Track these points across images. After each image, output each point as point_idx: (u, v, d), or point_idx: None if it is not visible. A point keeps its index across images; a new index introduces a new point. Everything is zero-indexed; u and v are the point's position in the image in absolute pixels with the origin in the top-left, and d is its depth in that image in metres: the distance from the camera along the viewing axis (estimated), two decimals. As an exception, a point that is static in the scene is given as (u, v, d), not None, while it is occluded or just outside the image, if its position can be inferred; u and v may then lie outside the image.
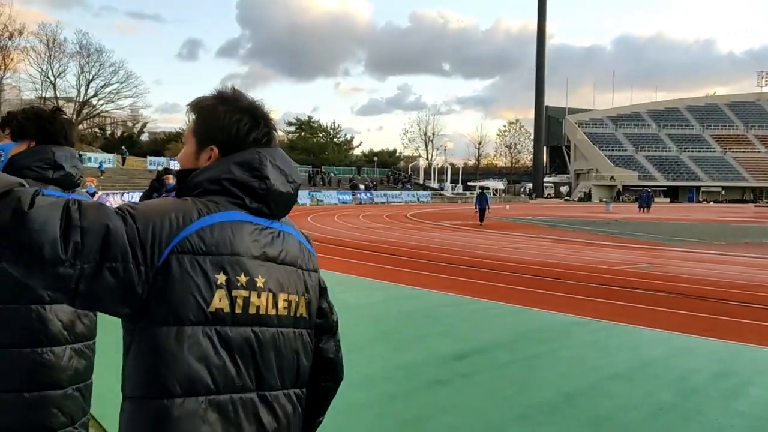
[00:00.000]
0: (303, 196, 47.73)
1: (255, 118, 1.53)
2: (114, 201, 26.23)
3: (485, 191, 32.97)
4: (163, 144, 71.15)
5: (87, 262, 1.21)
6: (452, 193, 69.68)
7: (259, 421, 1.39)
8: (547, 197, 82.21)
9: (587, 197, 77.35)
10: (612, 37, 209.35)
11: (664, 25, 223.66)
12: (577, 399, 4.81)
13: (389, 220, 31.34)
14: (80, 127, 62.42)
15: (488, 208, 28.88)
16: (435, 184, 73.05)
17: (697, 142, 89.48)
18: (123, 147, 49.89)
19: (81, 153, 42.92)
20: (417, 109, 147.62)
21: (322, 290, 1.69)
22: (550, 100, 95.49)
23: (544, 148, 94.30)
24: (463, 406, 4.62)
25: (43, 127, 2.28)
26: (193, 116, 1.56)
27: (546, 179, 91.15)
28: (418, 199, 59.89)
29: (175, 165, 41.35)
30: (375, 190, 58.78)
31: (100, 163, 44.33)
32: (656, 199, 45.55)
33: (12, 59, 53.73)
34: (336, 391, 1.80)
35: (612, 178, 78.79)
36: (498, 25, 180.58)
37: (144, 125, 74.88)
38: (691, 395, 4.99)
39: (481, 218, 28.08)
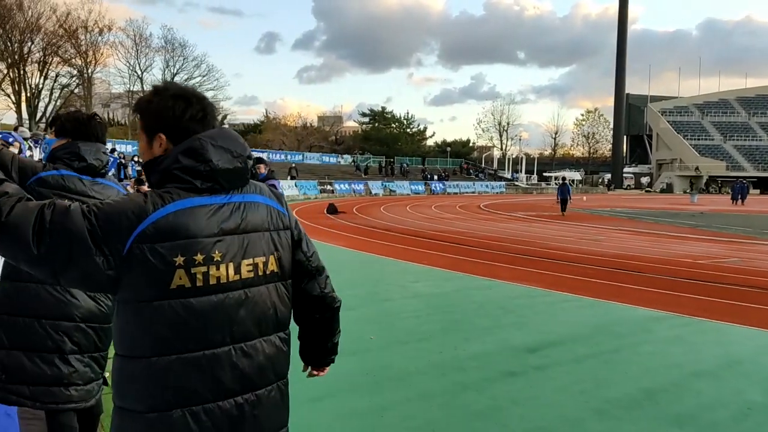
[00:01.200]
0: (375, 187, 48.00)
1: (187, 99, 1.72)
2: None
3: (566, 181, 32.16)
4: (243, 135, 72.29)
5: (57, 257, 1.51)
6: (527, 184, 68.39)
7: (235, 368, 1.68)
8: (626, 188, 79.44)
9: (670, 188, 74.30)
10: (698, 22, 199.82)
11: (754, 7, 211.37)
12: (659, 396, 4.62)
13: (462, 210, 31.08)
14: (164, 119, 64.86)
15: (570, 199, 28.45)
16: (508, 174, 71.95)
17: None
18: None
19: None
20: (491, 99, 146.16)
21: (296, 243, 1.90)
22: (631, 87, 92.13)
23: (624, 137, 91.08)
24: (537, 399, 4.51)
25: (78, 128, 2.78)
26: (138, 116, 1.78)
27: (626, 170, 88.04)
28: (492, 190, 59.13)
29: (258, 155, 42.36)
30: (447, 180, 58.36)
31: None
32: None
33: (102, 54, 56.29)
34: (336, 315, 2.05)
35: (697, 168, 75.29)
36: (576, 12, 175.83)
37: (224, 117, 77.00)
38: (784, 396, 4.71)
39: (563, 209, 27.66)
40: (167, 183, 1.67)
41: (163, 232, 1.57)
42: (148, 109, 1.74)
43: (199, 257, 1.61)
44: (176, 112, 1.70)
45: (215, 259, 1.64)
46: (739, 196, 42.77)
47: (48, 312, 2.56)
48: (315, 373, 2.16)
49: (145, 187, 1.91)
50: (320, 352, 2.10)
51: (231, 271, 1.67)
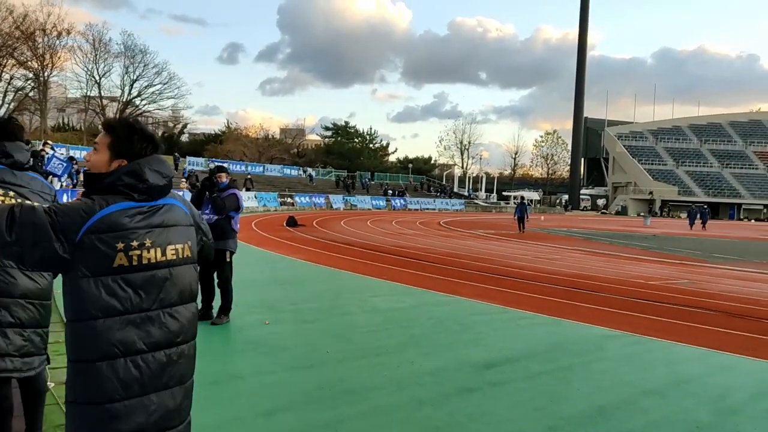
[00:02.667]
0: (337, 201, 47.90)
1: (154, 143, 2.33)
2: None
3: (524, 201, 33.65)
4: (202, 145, 72.22)
5: (25, 243, 2.03)
6: (486, 202, 69.18)
7: (165, 326, 2.24)
8: (583, 209, 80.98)
9: (624, 211, 76.05)
10: (653, 50, 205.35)
11: (707, 39, 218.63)
12: (610, 413, 4.70)
13: (422, 227, 31.24)
14: (122, 126, 63.73)
15: (527, 218, 29.70)
16: (467, 192, 72.68)
17: (739, 158, 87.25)
18: (176, 153, 50.67)
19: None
20: (453, 118, 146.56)
21: (197, 230, 2.48)
22: (589, 111, 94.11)
23: (582, 159, 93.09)
24: (493, 415, 4.54)
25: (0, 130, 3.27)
26: (109, 135, 2.28)
27: (583, 191, 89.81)
28: (452, 207, 59.63)
29: (208, 165, 41.90)
30: (407, 196, 58.62)
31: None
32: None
33: (59, 58, 55.17)
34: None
35: (651, 192, 77.31)
36: (537, 35, 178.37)
37: (184, 126, 76.19)
38: (730, 415, 4.83)
39: (521, 227, 29.01)
40: (110, 194, 2.20)
41: (107, 225, 2.12)
42: (126, 141, 2.27)
43: (135, 243, 2.16)
44: (143, 151, 2.28)
45: (146, 245, 2.19)
46: (697, 221, 42.19)
47: None
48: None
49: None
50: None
51: (158, 254, 2.23)
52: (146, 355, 2.19)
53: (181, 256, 2.31)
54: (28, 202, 2.16)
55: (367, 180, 63.66)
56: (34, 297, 3.13)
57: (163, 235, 2.25)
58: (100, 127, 2.43)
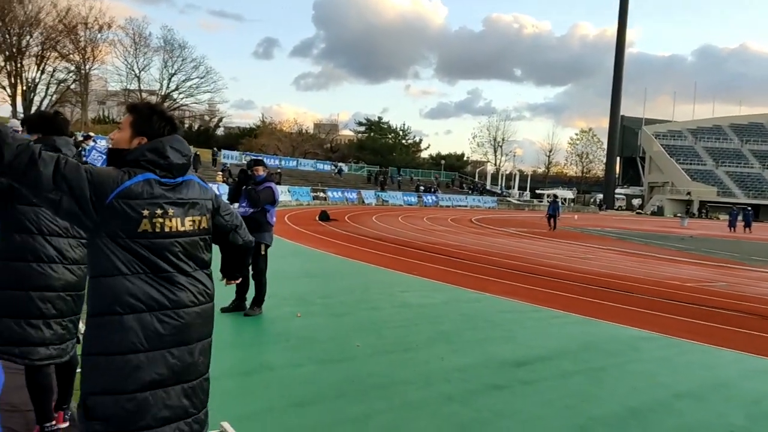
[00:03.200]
0: (368, 196, 47.99)
1: (172, 124, 2.58)
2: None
3: (557, 199, 33.84)
4: (237, 139, 73.00)
5: (64, 193, 2.21)
6: (519, 200, 68.60)
7: (184, 286, 2.47)
8: (617, 209, 79.76)
9: (660, 211, 74.68)
10: (693, 48, 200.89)
11: (749, 36, 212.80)
12: (644, 415, 4.62)
13: (454, 223, 31.13)
14: (160, 119, 64.76)
15: (558, 216, 29.85)
16: (499, 189, 72.17)
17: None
18: (214, 148, 51.14)
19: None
20: (486, 114, 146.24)
21: (215, 210, 2.70)
22: (626, 109, 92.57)
23: (618, 158, 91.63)
24: (522, 413, 4.51)
25: (47, 125, 3.46)
26: (132, 114, 2.55)
27: (617, 191, 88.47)
28: (484, 204, 59.29)
29: (244, 159, 42.30)
30: (438, 193, 58.43)
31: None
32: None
33: (100, 51, 56.20)
34: (250, 251, 3.10)
35: (689, 193, 75.73)
36: (574, 32, 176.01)
37: (220, 120, 77.06)
38: (765, 420, 4.73)
39: (552, 225, 29.22)
40: (136, 167, 2.42)
41: (135, 193, 2.35)
42: (148, 121, 2.52)
43: (159, 212, 2.40)
44: (160, 129, 2.52)
45: (169, 214, 2.43)
46: (738, 222, 40.58)
47: (35, 285, 3.22)
48: (230, 282, 3.20)
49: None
50: (235, 271, 3.14)
51: (178, 224, 2.47)
52: (170, 311, 2.42)
53: (197, 228, 2.56)
54: (73, 159, 2.32)
55: (398, 176, 63.60)
56: (72, 289, 3.35)
57: (183, 208, 2.50)
58: (125, 109, 2.68)
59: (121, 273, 2.35)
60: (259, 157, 9.91)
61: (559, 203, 32.71)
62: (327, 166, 61.52)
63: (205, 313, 2.56)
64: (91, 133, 21.69)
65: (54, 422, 3.50)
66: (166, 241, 2.42)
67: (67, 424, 3.56)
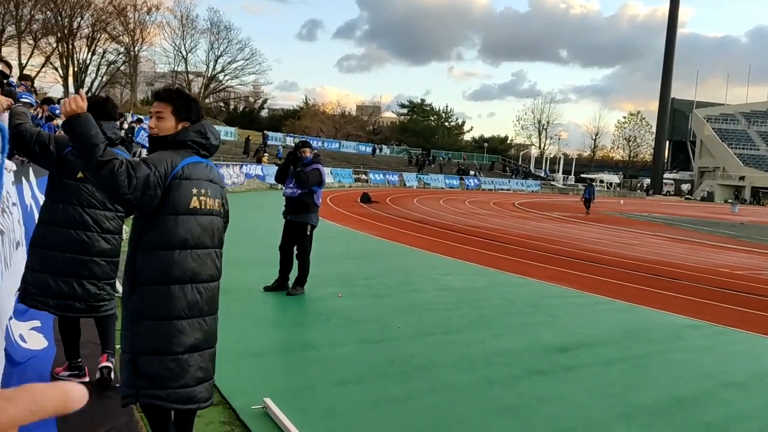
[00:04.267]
0: (410, 179, 47.91)
1: (201, 108, 2.90)
2: (231, 173, 27.34)
3: (592, 183, 34.72)
4: (281, 120, 73.54)
5: (138, 192, 2.53)
6: (563, 184, 67.53)
7: (214, 263, 2.82)
8: (665, 194, 77.77)
9: (710, 197, 72.61)
10: (748, 28, 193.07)
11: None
12: (688, 404, 4.55)
13: (496, 207, 30.89)
14: (207, 101, 65.67)
15: (593, 199, 30.22)
16: (543, 173, 71.15)
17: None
18: (264, 131, 51.42)
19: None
20: (531, 97, 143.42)
21: (226, 199, 3.00)
22: (677, 92, 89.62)
23: (667, 142, 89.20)
24: (564, 399, 4.48)
25: (97, 109, 3.54)
26: (171, 103, 2.80)
27: (666, 176, 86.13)
28: (527, 188, 58.61)
29: (291, 141, 42.55)
30: (479, 176, 57.94)
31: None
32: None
33: (149, 33, 57.24)
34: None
35: (742, 178, 73.29)
36: (623, 12, 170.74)
37: (264, 101, 77.75)
38: (819, 413, 4.59)
39: (587, 207, 29.82)
40: (181, 149, 2.75)
41: (186, 173, 2.68)
42: (189, 108, 2.83)
43: (204, 191, 2.73)
44: (197, 114, 2.85)
45: (209, 194, 2.77)
46: None
47: (71, 249, 3.70)
48: None
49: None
50: None
51: (215, 204, 2.82)
52: (206, 284, 2.75)
53: (219, 209, 2.89)
54: (135, 159, 2.66)
55: (441, 158, 63.21)
56: (106, 255, 3.86)
57: (213, 189, 2.83)
58: (153, 97, 3.01)
59: (172, 247, 2.65)
60: (306, 139, 9.93)
61: (595, 187, 33.17)
62: (369, 149, 61.63)
63: (219, 287, 2.90)
64: (141, 116, 22.64)
65: (80, 360, 4.10)
66: (208, 219, 2.77)
67: (110, 364, 3.99)
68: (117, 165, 2.46)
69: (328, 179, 38.39)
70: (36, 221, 4.01)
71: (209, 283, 2.77)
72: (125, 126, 17.90)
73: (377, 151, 60.53)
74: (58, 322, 4.10)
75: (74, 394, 0.53)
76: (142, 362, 2.64)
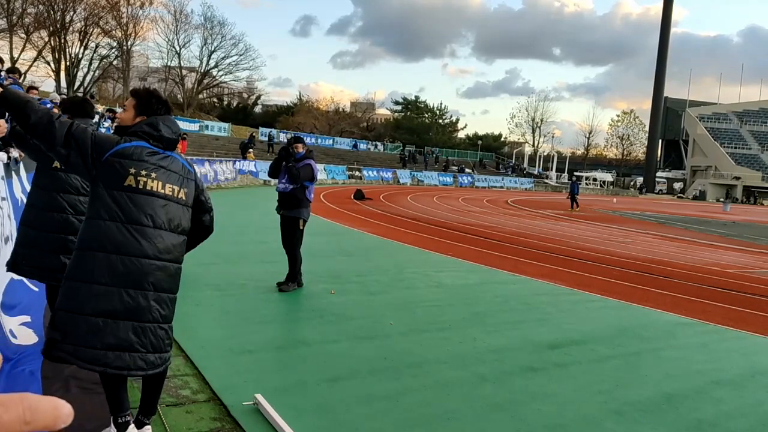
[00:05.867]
0: (404, 176, 47.92)
1: (167, 106, 3.22)
2: (224, 168, 27.29)
3: (576, 180, 35.14)
4: (275, 116, 73.38)
5: (72, 149, 2.86)
6: (557, 182, 67.69)
7: (153, 242, 2.96)
8: (658, 193, 78.04)
9: (702, 196, 72.89)
10: (740, 28, 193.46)
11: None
12: (680, 401, 4.56)
13: (489, 205, 30.92)
14: (200, 96, 65.42)
15: (576, 195, 31.37)
16: (536, 171, 71.26)
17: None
18: (271, 132, 50.87)
19: (200, 121, 45.40)
20: (524, 94, 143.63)
21: (199, 191, 3.29)
22: (670, 91, 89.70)
23: (660, 141, 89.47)
24: (556, 396, 4.49)
25: (78, 108, 4.43)
26: (134, 98, 3.17)
27: (659, 174, 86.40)
28: (520, 186, 58.70)
29: (284, 136, 42.55)
30: (474, 173, 57.95)
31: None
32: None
33: (142, 27, 56.92)
34: (206, 238, 3.51)
35: (737, 177, 73.49)
36: (617, 11, 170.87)
37: (258, 97, 77.54)
38: (809, 411, 4.61)
39: (573, 205, 30.73)
40: (133, 137, 3.05)
41: (126, 154, 2.96)
42: (148, 103, 3.15)
43: (143, 172, 2.96)
44: (157, 110, 3.16)
45: (152, 176, 2.99)
46: None
47: (52, 228, 4.25)
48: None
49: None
50: (191, 246, 3.42)
51: (159, 186, 3.01)
52: (134, 258, 2.90)
53: (175, 196, 3.08)
54: (83, 124, 2.99)
55: (436, 154, 63.11)
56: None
57: (165, 175, 3.04)
58: (128, 93, 3.38)
59: (102, 218, 2.90)
60: (300, 135, 10.03)
61: (578, 184, 34.41)
62: (363, 145, 61.53)
63: (167, 270, 3.03)
64: (116, 108, 22.92)
65: None
66: (146, 198, 2.96)
67: None
68: (56, 116, 2.85)
69: (321, 176, 38.34)
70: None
71: (140, 259, 2.91)
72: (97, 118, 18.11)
73: (359, 146, 60.28)
74: (46, 291, 4.73)
75: (64, 410, 0.53)
76: (58, 317, 2.88)
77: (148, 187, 2.95)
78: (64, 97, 24.47)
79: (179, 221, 3.10)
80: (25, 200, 6.08)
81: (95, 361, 2.83)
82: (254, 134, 45.42)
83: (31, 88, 13.10)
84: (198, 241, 3.48)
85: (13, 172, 5.90)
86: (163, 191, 3.01)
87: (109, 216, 2.89)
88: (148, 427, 3.34)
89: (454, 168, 58.22)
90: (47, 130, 2.81)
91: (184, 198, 3.13)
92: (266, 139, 47.63)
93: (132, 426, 3.28)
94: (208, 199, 3.37)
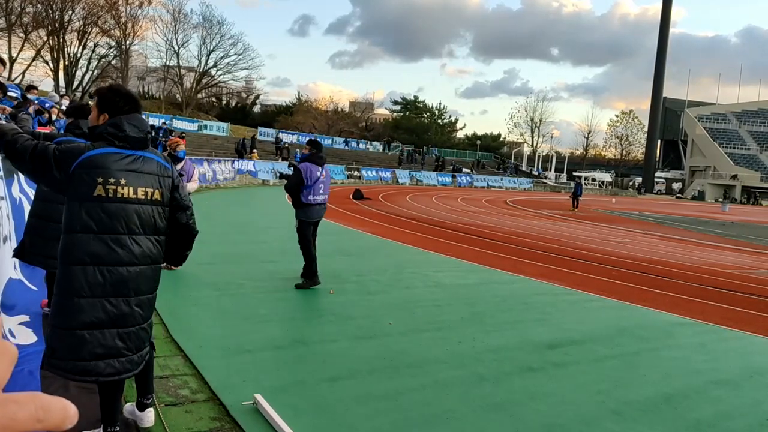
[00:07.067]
0: (403, 176, 47.91)
1: (132, 102, 3.07)
2: (223, 168, 27.27)
3: (580, 181, 35.87)
4: (273, 116, 73.31)
5: (37, 168, 2.84)
6: (556, 182, 67.70)
7: (128, 248, 2.94)
8: (657, 193, 78.07)
9: (701, 196, 72.93)
10: (737, 29, 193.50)
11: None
12: (678, 401, 4.57)
13: (488, 205, 30.93)
14: (198, 96, 65.29)
15: (579, 196, 31.59)
16: (535, 171, 71.27)
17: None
18: (279, 135, 50.46)
19: (198, 120, 45.52)
20: (523, 95, 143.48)
21: (174, 187, 3.17)
22: (668, 91, 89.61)
23: (658, 141, 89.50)
24: (555, 396, 4.49)
25: (78, 111, 5.05)
26: (96, 97, 3.09)
27: (657, 174, 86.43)
28: (519, 186, 58.71)
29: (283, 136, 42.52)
30: (472, 174, 57.95)
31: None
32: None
33: (141, 27, 56.77)
34: (192, 239, 3.39)
35: (735, 177, 73.51)
36: (615, 11, 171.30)
37: (257, 97, 77.44)
38: (807, 411, 4.62)
39: (574, 205, 30.98)
40: (99, 140, 2.95)
41: (92, 163, 2.86)
42: (109, 101, 3.03)
43: (112, 180, 2.88)
44: (122, 108, 3.01)
45: (122, 183, 2.90)
46: None
47: (58, 219, 4.28)
48: (171, 267, 4.30)
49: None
50: (177, 257, 3.42)
51: (131, 192, 2.93)
52: (111, 267, 2.90)
53: (149, 198, 3.01)
54: (47, 143, 2.93)
55: (435, 154, 63.04)
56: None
57: (136, 179, 2.96)
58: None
59: (75, 231, 2.88)
60: (291, 136, 10.48)
61: (582, 184, 34.99)
62: (362, 145, 61.47)
63: (144, 273, 3.02)
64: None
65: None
66: (118, 206, 2.90)
67: None
68: (19, 143, 2.85)
69: (321, 175, 38.26)
70: (26, 212, 5.01)
71: (118, 267, 2.92)
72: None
73: (351, 143, 60.21)
74: (46, 276, 5.13)
75: (71, 410, 0.53)
76: (51, 333, 2.96)
77: (119, 194, 2.90)
78: (63, 95, 24.49)
79: (154, 223, 3.05)
80: (23, 200, 6.09)
81: (86, 372, 2.89)
82: (255, 135, 45.44)
83: (31, 87, 13.04)
84: (184, 245, 3.39)
85: (12, 172, 5.90)
86: (135, 196, 2.95)
87: (83, 228, 2.87)
88: (150, 409, 3.46)
89: (451, 168, 58.20)
90: (15, 157, 2.87)
91: (159, 198, 3.06)
92: (272, 140, 47.62)
93: (133, 407, 3.47)
94: (185, 196, 3.27)
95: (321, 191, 7.62)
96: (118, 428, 3.19)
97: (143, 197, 2.97)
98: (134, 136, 2.98)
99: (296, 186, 7.52)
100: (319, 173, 7.59)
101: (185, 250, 3.43)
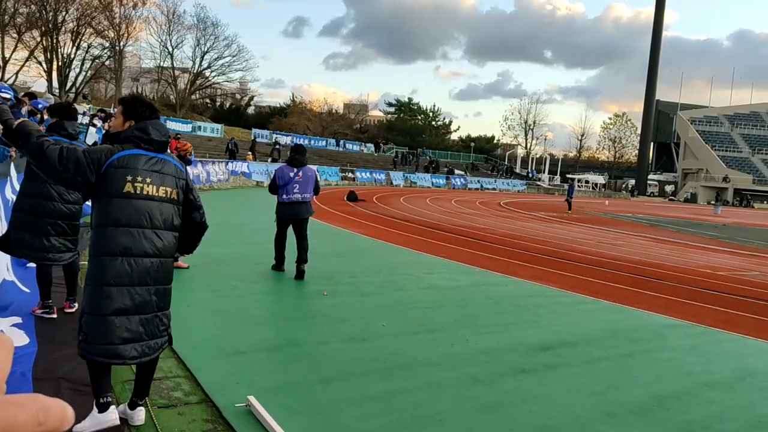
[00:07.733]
0: (397, 178, 47.92)
1: (152, 109, 3.49)
2: (217, 169, 27.20)
3: (573, 183, 37.07)
4: (268, 117, 73.18)
5: (69, 172, 3.08)
6: (549, 184, 67.82)
7: (151, 241, 3.27)
8: (650, 195, 78.28)
9: (694, 198, 73.19)
10: (729, 32, 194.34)
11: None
12: (670, 403, 4.59)
13: (482, 207, 30.97)
14: (192, 97, 65.15)
15: (572, 198, 32.07)
16: (529, 173, 71.41)
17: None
18: (276, 137, 50.14)
19: (192, 122, 45.36)
20: (516, 97, 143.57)
21: (188, 189, 3.55)
22: (661, 94, 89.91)
23: (651, 144, 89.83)
24: (547, 397, 4.50)
25: (62, 111, 5.34)
26: (121, 105, 3.46)
27: (650, 177, 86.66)
28: (513, 188, 58.80)
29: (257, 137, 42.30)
30: (465, 176, 58.02)
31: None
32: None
33: (135, 28, 56.62)
34: (203, 233, 3.76)
35: (727, 179, 73.83)
36: (608, 14, 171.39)
37: (251, 99, 77.29)
38: (798, 413, 4.65)
39: (568, 206, 31.51)
40: (126, 143, 3.30)
41: (122, 163, 3.22)
42: (133, 109, 3.42)
43: (139, 178, 3.24)
44: (144, 116, 3.41)
45: (147, 181, 3.26)
46: None
47: (41, 213, 4.88)
48: (183, 255, 4.38)
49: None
50: (188, 246, 3.73)
51: (154, 190, 3.29)
52: (137, 258, 3.22)
53: (168, 197, 3.38)
54: (73, 144, 3.32)
55: (429, 156, 63.09)
56: (67, 219, 5.06)
57: (159, 179, 3.32)
58: (118, 102, 3.68)
59: (106, 225, 3.19)
60: (285, 138, 11.09)
61: (575, 186, 35.94)
62: (356, 147, 61.44)
63: (163, 265, 3.36)
64: (107, 109, 23.16)
65: (50, 300, 5.29)
66: (144, 202, 3.25)
67: (73, 309, 5.41)
68: (45, 146, 3.06)
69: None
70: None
71: (143, 258, 3.24)
72: (86, 119, 18.23)
73: (344, 145, 60.27)
74: (36, 270, 5.30)
75: (68, 412, 0.53)
76: (83, 320, 3.23)
77: (145, 192, 3.24)
78: (57, 97, 24.50)
79: (172, 220, 3.40)
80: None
81: (115, 356, 3.20)
82: (254, 138, 45.48)
83: (31, 95, 12.84)
84: (195, 238, 3.73)
85: (4, 173, 5.89)
86: (158, 194, 3.30)
87: (113, 222, 3.18)
88: (141, 408, 3.52)
89: (445, 170, 58.24)
90: (41, 159, 3.07)
91: (176, 198, 3.43)
92: (268, 141, 47.57)
93: (125, 407, 3.56)
94: (197, 197, 3.63)
95: (295, 191, 8.19)
96: (110, 396, 3.42)
97: (164, 195, 3.33)
98: (158, 139, 3.37)
99: (272, 186, 8.37)
100: (292, 174, 8.23)
101: (196, 242, 3.78)
